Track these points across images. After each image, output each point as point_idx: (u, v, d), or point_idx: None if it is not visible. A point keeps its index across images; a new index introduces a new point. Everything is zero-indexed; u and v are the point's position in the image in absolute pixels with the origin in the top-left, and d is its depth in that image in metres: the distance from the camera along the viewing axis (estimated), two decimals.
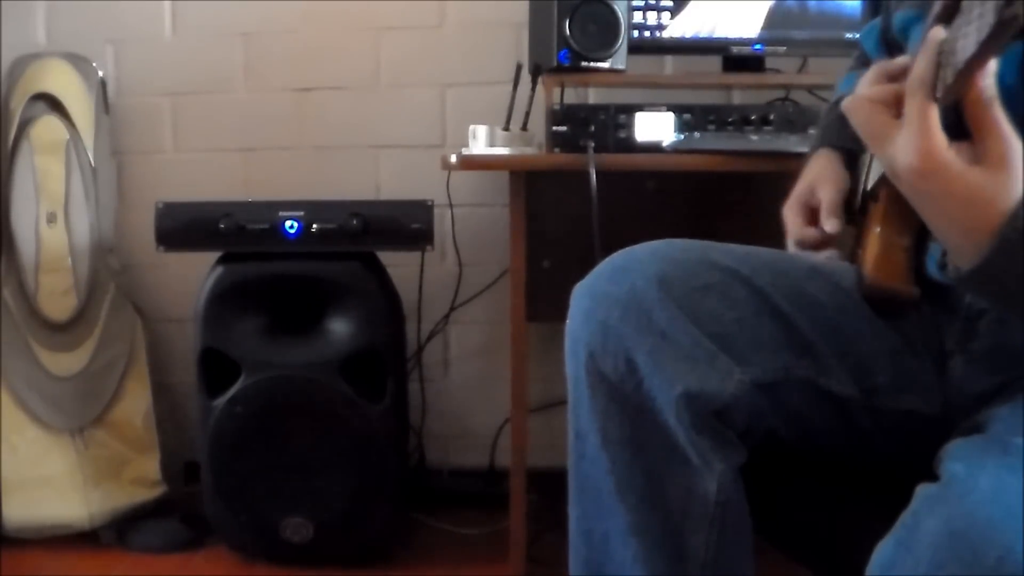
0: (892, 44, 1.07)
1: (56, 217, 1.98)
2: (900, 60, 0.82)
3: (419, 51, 2.12)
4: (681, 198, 1.88)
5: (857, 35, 1.76)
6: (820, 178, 1.06)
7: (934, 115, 0.68)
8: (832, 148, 1.10)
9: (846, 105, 0.76)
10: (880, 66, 0.83)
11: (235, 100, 2.16)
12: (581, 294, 0.96)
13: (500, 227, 1.95)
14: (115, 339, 2.01)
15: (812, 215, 1.05)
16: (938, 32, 0.68)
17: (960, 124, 0.69)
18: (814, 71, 1.92)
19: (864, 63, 1.15)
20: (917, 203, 0.72)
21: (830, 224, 0.89)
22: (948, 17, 0.65)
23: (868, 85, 0.79)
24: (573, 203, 1.54)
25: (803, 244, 1.03)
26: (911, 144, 0.69)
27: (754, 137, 1.62)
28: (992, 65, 0.64)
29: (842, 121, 0.82)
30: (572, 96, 1.93)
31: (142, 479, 2.00)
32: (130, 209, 2.14)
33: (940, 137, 0.68)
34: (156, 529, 1.95)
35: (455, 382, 2.21)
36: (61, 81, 2.01)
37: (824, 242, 1.01)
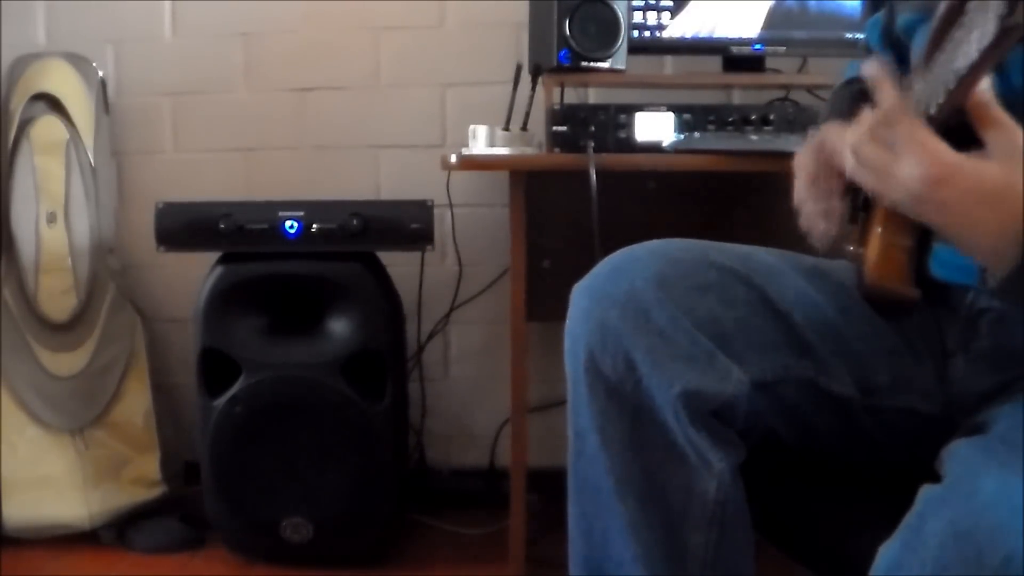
0: (896, 42, 1.07)
1: (56, 217, 1.98)
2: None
3: (419, 51, 2.12)
4: (681, 198, 1.88)
5: (857, 35, 1.77)
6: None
7: (924, 129, 0.68)
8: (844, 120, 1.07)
9: (846, 148, 0.75)
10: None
11: (235, 100, 2.16)
12: (580, 294, 0.97)
13: (500, 227, 1.95)
14: (115, 339, 2.01)
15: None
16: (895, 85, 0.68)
17: (954, 139, 0.68)
18: (814, 71, 1.92)
19: (868, 54, 1.15)
20: (942, 218, 0.70)
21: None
22: (952, 20, 0.65)
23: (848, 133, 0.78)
24: (573, 203, 1.54)
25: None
26: (915, 159, 0.68)
27: (754, 137, 1.62)
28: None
29: (852, 99, 0.81)
30: (572, 96, 1.93)
31: (142, 479, 2.00)
32: (130, 209, 2.14)
33: (941, 143, 0.68)
34: (156, 529, 1.95)
35: (455, 382, 2.21)
36: (61, 81, 2.01)
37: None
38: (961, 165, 0.67)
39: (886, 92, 0.70)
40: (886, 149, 0.72)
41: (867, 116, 0.75)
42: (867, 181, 0.76)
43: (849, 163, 0.77)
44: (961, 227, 0.70)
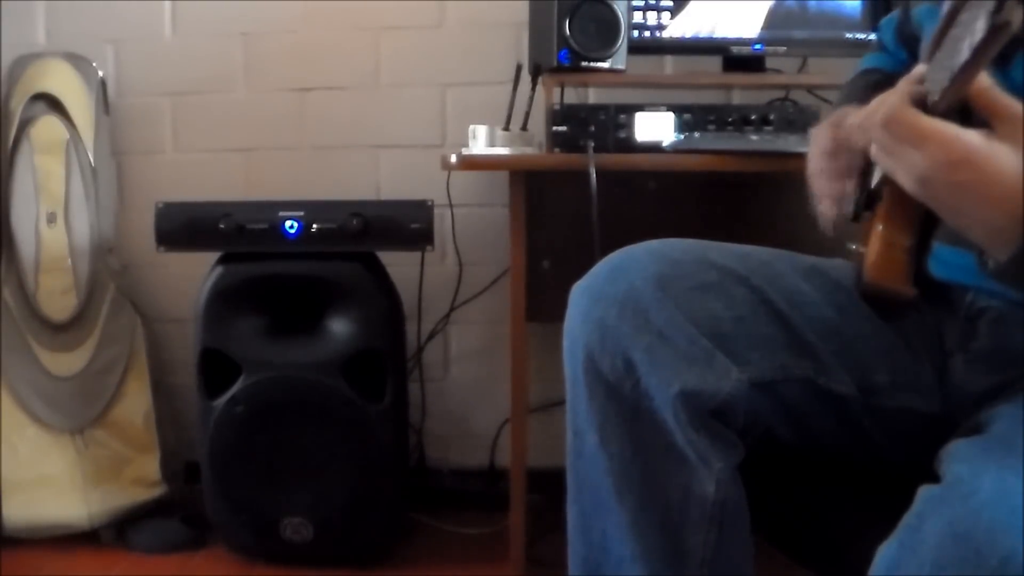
0: (909, 38, 1.07)
1: (56, 217, 1.98)
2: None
3: (419, 51, 2.12)
4: (681, 198, 1.88)
5: (858, 35, 1.77)
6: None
7: (932, 119, 0.68)
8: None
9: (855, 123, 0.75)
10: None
11: (235, 100, 2.16)
12: (579, 294, 0.97)
13: (500, 227, 1.95)
14: (115, 339, 2.01)
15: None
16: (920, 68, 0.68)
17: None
18: (814, 71, 1.92)
19: (882, 51, 1.15)
20: (954, 202, 0.69)
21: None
22: (953, 17, 0.65)
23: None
24: (573, 203, 1.54)
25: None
26: (931, 143, 0.68)
27: (754, 137, 1.62)
28: None
29: (868, 88, 0.81)
30: (572, 96, 1.93)
31: (142, 479, 2.00)
32: (130, 209, 2.14)
33: (954, 126, 0.67)
34: (156, 529, 1.95)
35: (455, 382, 2.21)
36: (61, 81, 2.01)
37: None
38: (976, 147, 0.66)
39: (903, 85, 0.69)
40: (900, 139, 0.71)
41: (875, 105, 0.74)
42: (883, 163, 0.75)
43: (870, 142, 0.75)
44: (976, 209, 0.69)
